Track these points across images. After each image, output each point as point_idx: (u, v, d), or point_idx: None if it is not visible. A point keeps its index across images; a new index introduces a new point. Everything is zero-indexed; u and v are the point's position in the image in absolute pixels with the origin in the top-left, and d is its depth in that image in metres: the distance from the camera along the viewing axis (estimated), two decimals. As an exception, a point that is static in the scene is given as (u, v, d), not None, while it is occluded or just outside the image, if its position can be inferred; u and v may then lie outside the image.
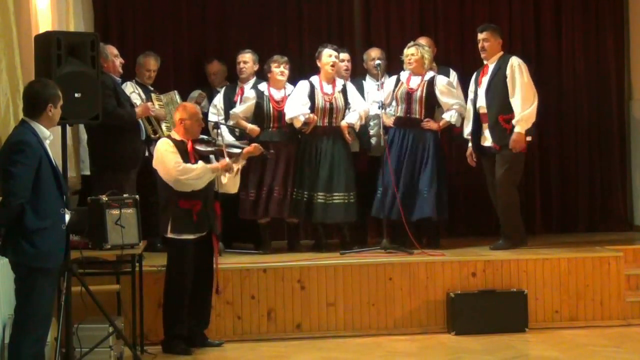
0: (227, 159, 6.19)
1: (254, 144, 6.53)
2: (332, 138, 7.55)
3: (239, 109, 7.64)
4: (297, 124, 7.49)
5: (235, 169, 6.33)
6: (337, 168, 7.49)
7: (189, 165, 6.08)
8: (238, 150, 6.43)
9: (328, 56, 7.57)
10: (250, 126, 7.54)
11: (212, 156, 6.30)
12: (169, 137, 6.32)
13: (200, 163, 6.12)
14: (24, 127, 4.75)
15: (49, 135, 4.83)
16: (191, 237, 6.13)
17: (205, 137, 6.40)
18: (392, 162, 7.42)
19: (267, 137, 7.51)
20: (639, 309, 7.03)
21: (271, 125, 7.57)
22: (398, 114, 7.60)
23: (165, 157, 6.10)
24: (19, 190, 4.58)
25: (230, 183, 6.36)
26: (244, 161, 6.47)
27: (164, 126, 7.43)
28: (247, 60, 7.96)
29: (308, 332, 6.76)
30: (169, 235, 6.13)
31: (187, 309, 6.20)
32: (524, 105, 7.23)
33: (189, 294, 6.17)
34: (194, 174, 6.05)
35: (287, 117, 7.49)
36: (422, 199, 7.41)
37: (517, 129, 7.22)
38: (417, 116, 7.56)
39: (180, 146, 6.16)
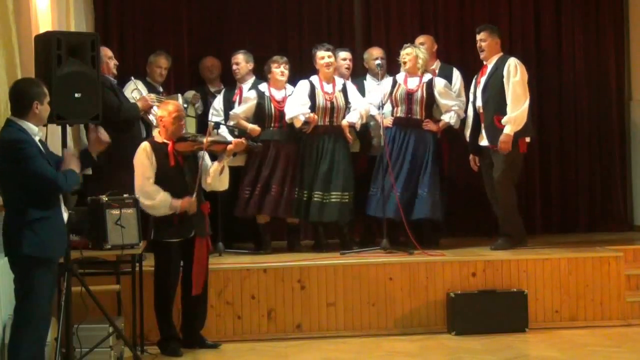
0: (193, 196, 6.04)
1: (235, 140, 6.41)
2: (333, 137, 7.54)
3: (239, 110, 7.62)
4: (298, 124, 7.48)
5: (219, 167, 6.22)
6: (336, 167, 7.48)
7: (153, 189, 6.00)
8: (221, 147, 6.34)
9: (320, 58, 7.59)
10: (250, 126, 7.52)
11: (203, 153, 6.17)
12: (150, 140, 6.25)
13: (163, 193, 6.01)
14: (11, 127, 4.76)
15: (37, 132, 4.84)
16: (174, 240, 6.11)
17: (188, 135, 6.34)
18: (391, 161, 7.42)
19: (269, 136, 7.51)
20: (639, 309, 7.03)
21: (272, 124, 7.56)
22: (398, 115, 7.60)
23: (137, 168, 6.09)
24: (46, 172, 4.68)
25: (216, 182, 6.27)
26: (229, 158, 6.37)
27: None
28: (239, 61, 7.94)
29: (308, 332, 6.76)
30: (153, 238, 6.13)
31: (183, 309, 6.24)
32: (514, 107, 7.20)
33: (174, 295, 6.16)
34: (150, 203, 6.00)
35: (287, 117, 7.48)
36: (421, 200, 7.41)
37: (506, 130, 7.19)
38: (418, 117, 7.57)
39: (160, 149, 6.10)
